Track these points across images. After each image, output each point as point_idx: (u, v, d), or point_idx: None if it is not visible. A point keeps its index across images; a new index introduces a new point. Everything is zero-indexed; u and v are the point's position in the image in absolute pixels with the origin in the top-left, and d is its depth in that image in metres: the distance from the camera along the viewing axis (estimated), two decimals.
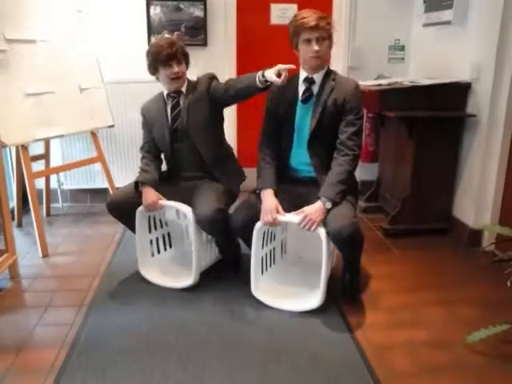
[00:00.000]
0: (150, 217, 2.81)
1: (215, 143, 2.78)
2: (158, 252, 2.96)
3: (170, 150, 2.77)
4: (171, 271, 2.84)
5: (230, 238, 2.75)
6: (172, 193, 2.70)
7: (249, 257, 2.58)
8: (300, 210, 2.39)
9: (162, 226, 2.97)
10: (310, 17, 2.34)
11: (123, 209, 2.69)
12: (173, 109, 2.74)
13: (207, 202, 2.52)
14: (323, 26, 2.35)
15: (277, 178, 2.56)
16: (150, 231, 2.85)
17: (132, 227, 2.79)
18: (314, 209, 2.34)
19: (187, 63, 2.73)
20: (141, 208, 2.68)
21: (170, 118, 2.73)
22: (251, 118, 4.10)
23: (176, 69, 2.61)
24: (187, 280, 2.67)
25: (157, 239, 2.94)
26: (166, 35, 2.68)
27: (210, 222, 2.51)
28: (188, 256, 2.76)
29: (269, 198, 2.45)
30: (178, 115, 2.71)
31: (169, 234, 3.04)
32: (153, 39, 2.74)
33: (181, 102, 2.72)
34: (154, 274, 2.79)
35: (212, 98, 2.68)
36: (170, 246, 3.06)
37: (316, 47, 2.36)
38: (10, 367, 2.05)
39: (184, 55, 2.69)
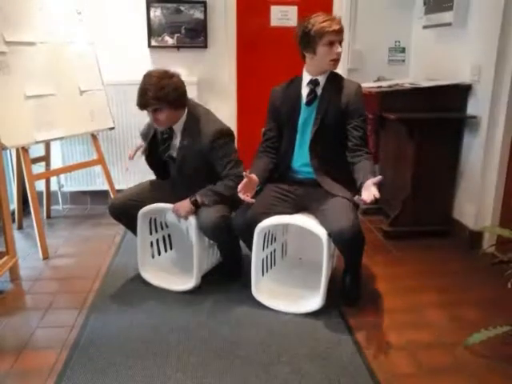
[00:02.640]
0: (151, 218, 2.81)
1: (210, 179, 2.64)
2: (159, 254, 2.96)
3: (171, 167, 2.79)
4: (172, 273, 2.84)
5: (233, 244, 2.73)
6: (173, 195, 2.68)
7: (250, 258, 2.58)
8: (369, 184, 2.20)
9: (162, 228, 2.96)
10: (329, 20, 2.37)
11: (125, 212, 2.69)
12: (164, 141, 2.71)
13: (211, 209, 2.51)
14: (343, 29, 2.41)
15: (266, 171, 2.58)
16: (150, 233, 2.85)
17: (133, 229, 2.79)
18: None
19: (177, 107, 2.54)
20: (143, 210, 2.68)
21: (162, 147, 2.73)
22: (251, 118, 4.11)
23: (151, 117, 2.54)
24: (188, 283, 2.66)
25: (157, 241, 2.94)
26: (157, 73, 2.48)
27: (213, 230, 2.51)
28: (189, 258, 2.73)
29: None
30: (168, 149, 2.70)
31: (169, 236, 3.04)
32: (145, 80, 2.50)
33: (173, 138, 2.68)
34: (155, 276, 2.78)
35: (208, 158, 2.62)
36: (171, 248, 3.05)
37: (339, 49, 2.40)
38: (11, 369, 2.04)
39: (168, 102, 2.46)
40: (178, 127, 2.63)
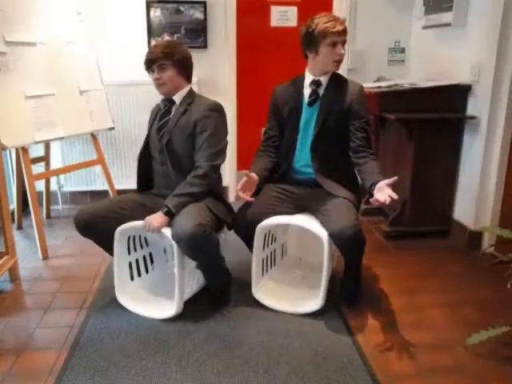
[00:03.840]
0: (129, 237, 2.54)
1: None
2: (139, 275, 2.68)
3: (158, 156, 2.56)
4: (152, 298, 2.58)
5: (215, 262, 2.44)
6: (150, 209, 2.43)
7: (250, 259, 2.58)
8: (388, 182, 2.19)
9: (142, 247, 2.68)
10: (333, 21, 2.37)
11: (95, 227, 2.38)
12: (162, 117, 2.56)
13: (186, 217, 2.24)
14: (346, 31, 2.41)
15: (266, 170, 2.57)
16: (129, 252, 2.58)
17: (106, 247, 2.53)
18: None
19: (182, 71, 2.49)
20: (120, 229, 2.41)
21: (156, 126, 2.56)
22: (251, 118, 4.11)
23: (155, 75, 2.44)
24: (168, 310, 2.41)
25: (137, 261, 2.66)
26: (166, 37, 2.62)
27: (188, 241, 2.19)
28: (172, 278, 2.47)
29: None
30: (165, 125, 2.52)
31: (151, 255, 2.76)
32: (153, 41, 2.66)
33: (172, 112, 2.54)
34: (133, 301, 2.52)
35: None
36: (153, 268, 2.79)
37: (342, 50, 2.40)
38: (11, 369, 2.04)
39: (174, 61, 2.44)
40: (178, 97, 2.53)
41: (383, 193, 2.12)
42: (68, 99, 3.39)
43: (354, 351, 2.17)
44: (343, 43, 2.41)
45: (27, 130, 3.05)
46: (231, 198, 4.27)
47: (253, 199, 2.38)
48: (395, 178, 2.14)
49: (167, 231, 2.29)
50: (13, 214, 3.52)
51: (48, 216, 3.92)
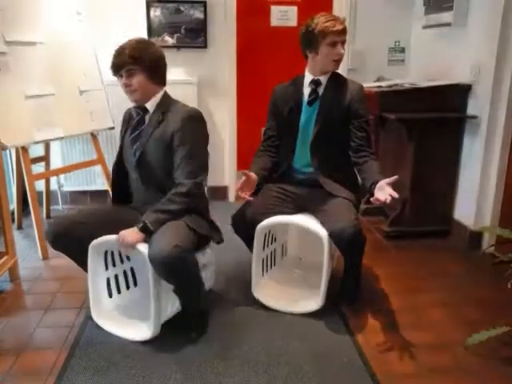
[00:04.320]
0: (107, 251, 2.34)
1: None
2: (119, 292, 2.47)
3: (133, 170, 2.33)
4: (131, 317, 2.37)
5: (191, 287, 2.22)
6: (127, 223, 2.21)
7: (250, 259, 2.58)
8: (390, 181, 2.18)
9: (122, 261, 2.48)
10: (333, 20, 2.37)
11: (68, 239, 2.19)
12: (134, 127, 2.32)
13: (163, 237, 2.04)
14: (346, 30, 2.41)
15: (265, 170, 2.56)
16: (106, 268, 2.38)
17: (82, 263, 2.33)
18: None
19: (153, 75, 2.23)
20: (94, 243, 2.22)
21: (129, 138, 2.33)
22: (251, 118, 4.11)
23: (124, 80, 2.20)
24: (145, 332, 2.23)
25: (116, 277, 2.46)
26: (137, 38, 2.25)
27: (163, 264, 2.00)
28: None
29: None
30: (138, 137, 2.29)
31: (132, 270, 2.55)
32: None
33: (145, 122, 2.30)
34: (110, 320, 2.33)
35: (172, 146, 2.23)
36: (135, 284, 2.57)
37: (342, 50, 2.40)
38: (11, 369, 2.04)
39: (143, 66, 2.18)
40: (151, 105, 2.28)
41: (384, 192, 2.12)
42: (68, 99, 3.38)
43: (354, 351, 2.17)
44: (343, 43, 2.41)
45: (27, 130, 3.05)
46: (231, 198, 4.27)
47: (252, 199, 2.38)
48: (396, 177, 2.13)
49: (143, 248, 2.08)
50: (13, 213, 3.52)
51: (48, 216, 3.92)
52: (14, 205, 3.56)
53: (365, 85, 2.59)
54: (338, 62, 2.44)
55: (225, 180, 4.33)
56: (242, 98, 4.20)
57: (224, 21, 3.99)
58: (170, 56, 3.91)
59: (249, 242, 2.54)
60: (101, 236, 2.21)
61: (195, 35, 3.95)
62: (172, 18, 3.90)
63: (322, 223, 2.38)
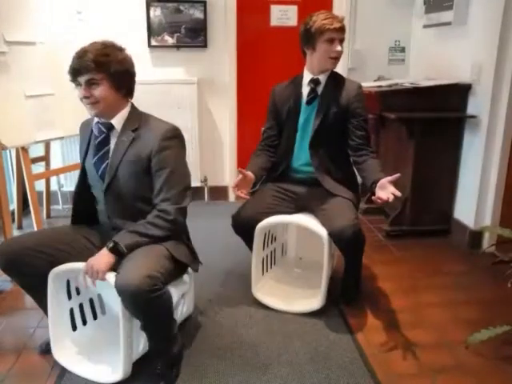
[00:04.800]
0: (69, 279, 2.04)
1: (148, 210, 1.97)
2: (84, 323, 2.17)
3: (100, 196, 2.04)
4: (98, 354, 2.07)
5: (162, 325, 1.92)
6: (96, 247, 2.00)
7: (250, 259, 2.57)
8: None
9: (88, 288, 2.12)
10: (331, 18, 2.37)
11: (21, 265, 1.88)
12: (98, 147, 2.00)
13: (135, 265, 1.76)
14: (345, 29, 2.41)
15: (263, 169, 2.55)
16: (69, 297, 2.07)
17: (37, 294, 2.03)
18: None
19: (120, 86, 1.92)
20: (55, 271, 1.92)
21: (92, 160, 2.02)
22: (251, 117, 4.11)
23: (83, 91, 1.87)
24: (114, 373, 1.94)
25: (81, 306, 2.15)
26: (103, 41, 1.93)
27: (131, 294, 1.71)
28: None
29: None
30: (104, 159, 1.98)
31: (100, 297, 2.28)
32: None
33: (112, 141, 1.99)
34: (77, 361, 2.03)
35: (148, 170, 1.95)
36: (104, 313, 2.30)
37: (339, 47, 2.39)
38: (11, 370, 2.04)
39: (109, 74, 1.87)
40: (117, 121, 1.97)
41: (386, 190, 2.11)
42: (68, 99, 3.37)
43: (355, 350, 2.17)
44: (341, 41, 2.40)
45: (27, 130, 3.05)
46: (231, 198, 4.27)
47: (248, 197, 2.37)
48: (397, 175, 2.13)
49: (111, 276, 1.79)
50: (13, 213, 3.52)
51: (48, 216, 3.92)
52: (14, 205, 3.56)
53: (365, 84, 2.60)
54: (335, 59, 2.43)
55: (225, 180, 4.33)
56: (242, 97, 4.20)
57: (224, 20, 3.98)
58: (169, 56, 3.99)
59: (249, 241, 2.53)
60: (64, 262, 1.93)
61: (195, 35, 3.95)
62: (172, 18, 3.90)
63: (322, 222, 2.37)
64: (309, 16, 2.42)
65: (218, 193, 4.30)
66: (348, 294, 2.58)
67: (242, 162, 3.97)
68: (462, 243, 3.33)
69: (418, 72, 4.02)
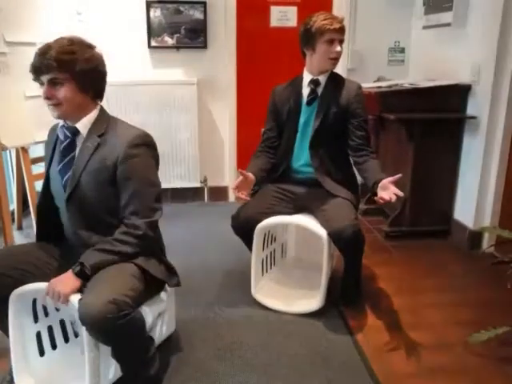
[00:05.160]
0: (35, 300, 1.84)
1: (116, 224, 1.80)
2: (53, 347, 1.96)
3: (63, 206, 1.87)
4: (68, 381, 1.88)
5: (135, 351, 1.77)
6: (62, 266, 1.82)
7: (249, 259, 2.57)
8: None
9: (58, 309, 1.97)
10: (331, 19, 2.38)
11: None
12: (64, 153, 1.84)
13: (98, 289, 1.60)
14: (344, 29, 2.42)
15: (263, 171, 2.55)
16: (36, 320, 1.87)
17: (2, 323, 1.82)
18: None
19: (86, 87, 1.75)
20: (17, 292, 1.74)
21: (57, 167, 1.87)
22: (251, 118, 4.11)
23: (45, 91, 1.72)
24: None
25: (49, 329, 1.95)
26: (70, 37, 1.78)
27: (93, 323, 1.55)
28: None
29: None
30: (69, 166, 1.82)
31: (73, 318, 2.02)
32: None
33: (77, 147, 1.82)
34: None
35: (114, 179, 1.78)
36: (76, 335, 2.07)
37: (339, 48, 2.40)
38: (11, 369, 2.04)
39: (74, 73, 1.70)
40: (83, 125, 1.80)
41: (388, 191, 2.12)
42: None
43: (354, 351, 2.17)
44: (340, 41, 2.41)
45: (27, 131, 3.05)
46: (231, 198, 4.27)
47: (248, 198, 2.38)
48: (399, 175, 2.13)
49: (76, 301, 1.61)
50: (13, 213, 3.52)
51: None
52: (14, 205, 3.56)
53: (365, 85, 2.60)
54: (335, 60, 2.44)
55: (225, 180, 4.33)
56: (242, 98, 4.21)
57: (224, 21, 3.99)
58: (169, 56, 3.99)
59: (248, 242, 2.54)
60: (27, 283, 1.75)
61: (195, 35, 3.95)
62: (172, 19, 3.90)
63: (322, 223, 2.38)
64: (308, 17, 2.43)
65: (218, 193, 4.30)
66: (348, 294, 2.58)
67: (241, 163, 3.97)
68: (461, 244, 3.33)
69: (418, 73, 4.02)
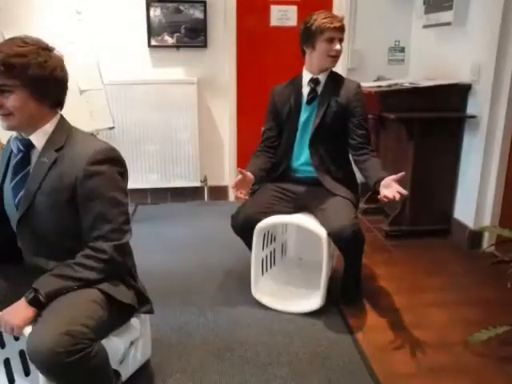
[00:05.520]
0: None
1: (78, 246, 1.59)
2: (12, 382, 1.77)
3: (15, 228, 1.65)
4: None
5: None
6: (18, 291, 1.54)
7: (249, 259, 2.57)
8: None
9: (17, 338, 1.74)
10: (331, 17, 2.39)
11: None
12: (17, 168, 1.63)
13: (50, 320, 1.42)
14: (344, 28, 2.42)
15: (263, 170, 2.54)
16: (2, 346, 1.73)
17: None
18: None
19: (42, 94, 1.56)
20: None
21: (10, 184, 1.64)
22: (251, 117, 4.11)
23: None
24: None
25: (6, 362, 1.75)
26: (23, 37, 1.53)
27: (43, 361, 1.35)
28: None
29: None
30: (22, 183, 1.60)
31: None
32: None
33: (32, 161, 1.62)
34: None
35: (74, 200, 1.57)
36: None
37: (338, 46, 2.40)
38: None
39: (26, 80, 1.49)
40: (37, 138, 1.59)
41: (391, 189, 2.11)
42: (68, 98, 3.36)
43: (354, 350, 2.17)
44: (340, 40, 2.41)
45: None
46: (231, 198, 4.27)
47: (247, 197, 2.37)
48: (402, 173, 2.12)
49: (27, 333, 1.43)
50: None
51: None
52: None
53: (364, 84, 2.60)
54: (334, 58, 2.44)
55: (225, 179, 4.33)
56: (242, 97, 4.20)
57: (224, 20, 3.98)
58: (169, 56, 3.99)
59: (248, 241, 2.53)
60: None
61: (195, 35, 3.95)
62: (172, 18, 3.90)
63: (321, 222, 2.38)
64: (309, 15, 2.43)
65: (218, 192, 4.30)
66: (348, 294, 2.58)
67: (241, 162, 3.97)
68: (461, 243, 3.33)
69: (418, 72, 4.02)
